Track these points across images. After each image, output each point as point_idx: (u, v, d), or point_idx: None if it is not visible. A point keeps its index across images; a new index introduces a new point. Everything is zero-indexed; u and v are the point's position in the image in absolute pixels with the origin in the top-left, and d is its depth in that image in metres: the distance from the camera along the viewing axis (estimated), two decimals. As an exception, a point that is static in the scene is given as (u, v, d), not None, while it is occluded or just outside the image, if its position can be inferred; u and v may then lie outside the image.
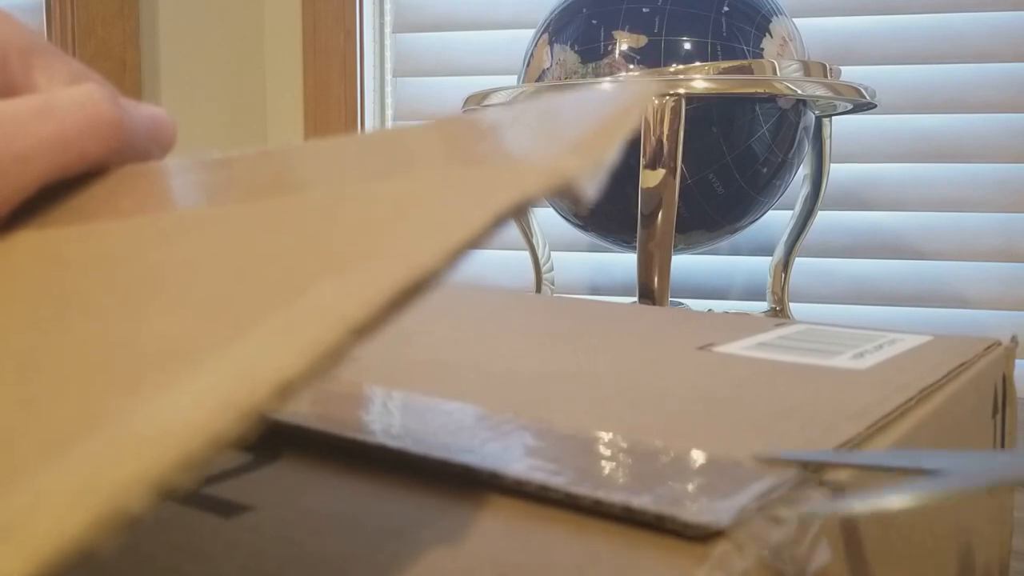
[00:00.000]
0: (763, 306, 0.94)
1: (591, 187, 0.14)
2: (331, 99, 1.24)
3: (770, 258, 0.93)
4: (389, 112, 1.27)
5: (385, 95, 1.27)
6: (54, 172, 0.21)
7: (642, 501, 0.17)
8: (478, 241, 0.13)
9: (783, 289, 0.91)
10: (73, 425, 0.11)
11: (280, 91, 1.27)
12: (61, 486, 0.10)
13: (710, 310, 0.68)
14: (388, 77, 1.26)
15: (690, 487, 0.18)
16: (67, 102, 0.21)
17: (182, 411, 0.11)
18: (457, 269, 0.13)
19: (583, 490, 0.18)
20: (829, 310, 1.11)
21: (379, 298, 0.12)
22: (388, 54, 1.25)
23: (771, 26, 0.81)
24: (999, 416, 0.34)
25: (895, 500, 0.16)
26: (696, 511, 0.17)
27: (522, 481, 0.19)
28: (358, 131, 1.23)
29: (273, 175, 0.19)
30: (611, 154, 0.14)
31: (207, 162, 0.21)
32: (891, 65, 1.08)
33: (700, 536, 0.16)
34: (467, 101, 0.85)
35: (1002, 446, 0.34)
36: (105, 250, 0.18)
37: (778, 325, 0.37)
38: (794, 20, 0.86)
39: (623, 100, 0.16)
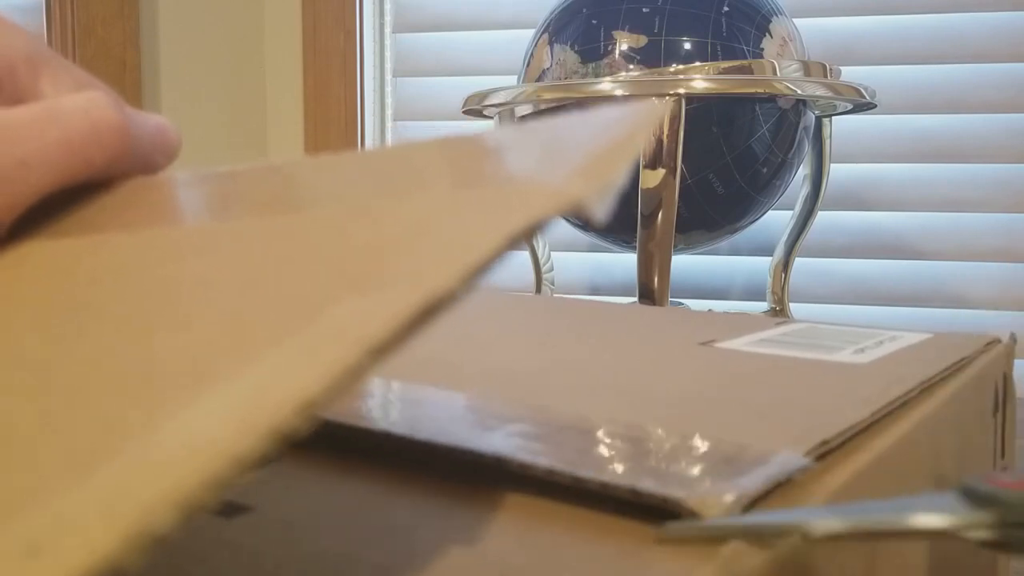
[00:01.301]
0: (763, 306, 0.94)
1: (600, 209, 0.14)
2: (331, 99, 1.24)
3: (770, 258, 0.93)
4: (389, 112, 1.27)
5: (385, 95, 1.27)
6: (59, 179, 0.20)
7: (648, 484, 0.17)
8: (492, 262, 0.13)
9: (783, 289, 0.91)
10: (96, 442, 0.11)
11: (280, 91, 1.27)
12: (89, 506, 0.10)
13: (710, 310, 0.68)
14: (388, 77, 1.26)
15: (696, 472, 0.18)
16: (71, 108, 0.21)
17: (206, 431, 0.11)
18: (471, 289, 0.13)
19: (589, 473, 0.18)
20: (829, 310, 1.11)
21: (398, 319, 0.12)
22: (388, 54, 1.26)
23: (771, 26, 0.81)
24: (999, 414, 0.34)
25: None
26: (701, 496, 0.17)
27: (527, 466, 0.19)
28: (358, 131, 1.23)
29: (282, 190, 0.19)
30: (619, 177, 0.15)
31: (215, 175, 0.21)
32: (891, 65, 1.08)
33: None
34: (467, 101, 0.85)
35: (1002, 444, 0.35)
36: (118, 263, 0.18)
37: (779, 323, 0.37)
38: (794, 20, 0.86)
39: (630, 122, 0.17)
